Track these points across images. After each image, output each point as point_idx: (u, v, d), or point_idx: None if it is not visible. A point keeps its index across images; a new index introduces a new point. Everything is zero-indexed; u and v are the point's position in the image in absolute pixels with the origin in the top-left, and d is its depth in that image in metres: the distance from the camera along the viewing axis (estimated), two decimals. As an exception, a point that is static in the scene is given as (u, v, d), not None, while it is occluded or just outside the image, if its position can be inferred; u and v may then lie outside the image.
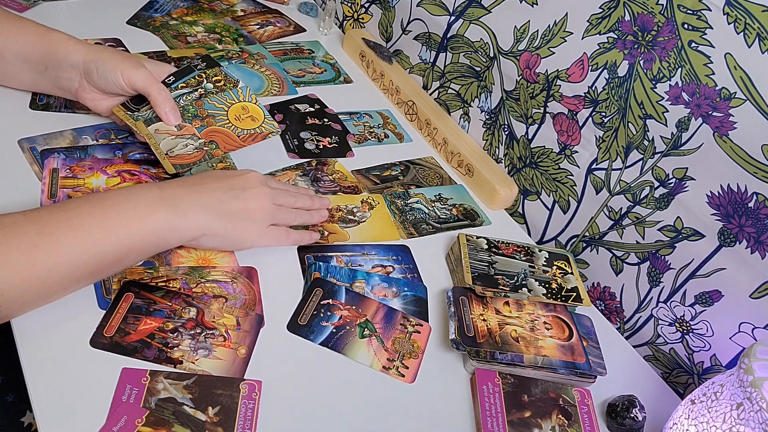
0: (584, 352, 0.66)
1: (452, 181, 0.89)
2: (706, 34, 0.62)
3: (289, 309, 0.65)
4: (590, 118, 0.76)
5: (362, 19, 1.09)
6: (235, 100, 0.77)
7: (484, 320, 0.66)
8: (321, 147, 0.87)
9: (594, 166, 0.77)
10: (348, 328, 0.65)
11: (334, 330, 0.65)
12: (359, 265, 0.72)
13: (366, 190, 0.83)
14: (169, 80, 0.75)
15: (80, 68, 0.71)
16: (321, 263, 0.70)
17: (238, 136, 0.74)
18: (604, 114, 0.74)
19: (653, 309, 0.74)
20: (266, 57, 1.00)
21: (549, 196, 0.84)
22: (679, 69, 0.65)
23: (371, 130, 0.93)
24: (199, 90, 0.76)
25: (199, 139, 0.72)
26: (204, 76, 0.77)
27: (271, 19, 1.10)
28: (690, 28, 0.64)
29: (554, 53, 0.78)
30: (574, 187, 0.80)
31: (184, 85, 0.75)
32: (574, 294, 0.71)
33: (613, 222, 0.77)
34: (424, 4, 0.94)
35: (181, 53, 0.94)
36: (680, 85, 0.66)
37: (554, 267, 0.74)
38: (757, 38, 0.59)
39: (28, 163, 0.71)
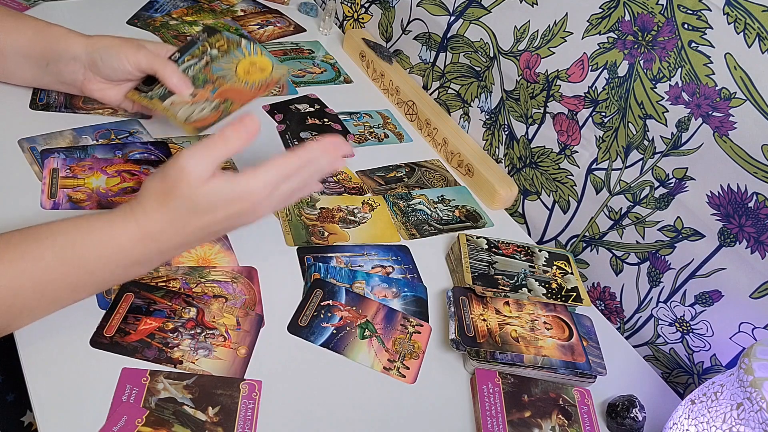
0: (584, 352, 0.66)
1: (457, 183, 0.89)
2: (706, 34, 0.62)
3: (289, 310, 0.65)
4: (590, 118, 0.76)
5: (362, 19, 1.09)
6: (242, 57, 0.78)
7: (484, 320, 0.66)
8: (321, 147, 0.87)
9: (594, 166, 0.77)
10: (348, 329, 0.65)
11: (335, 331, 0.65)
12: (359, 266, 0.72)
13: (370, 191, 0.83)
14: (175, 57, 0.76)
15: (83, 60, 0.71)
16: (321, 264, 0.70)
17: (251, 89, 0.76)
18: (604, 114, 0.74)
19: (653, 309, 0.74)
20: (266, 57, 1.00)
21: (549, 196, 0.84)
22: (679, 69, 0.65)
23: (371, 130, 0.93)
24: (205, 58, 0.77)
25: (214, 100, 0.74)
26: (208, 44, 0.79)
27: (271, 19, 1.10)
28: (690, 28, 0.64)
29: (554, 53, 0.78)
30: (574, 187, 0.80)
31: (190, 57, 0.77)
32: (574, 294, 0.71)
33: (613, 222, 0.77)
34: (424, 4, 0.94)
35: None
36: (680, 85, 0.66)
37: (554, 267, 0.74)
38: (757, 38, 0.59)
39: (28, 163, 0.71)
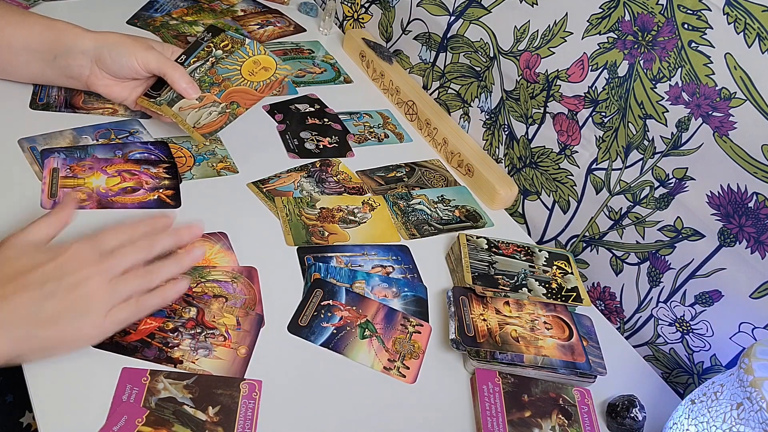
0: (584, 352, 0.66)
1: (457, 183, 0.89)
2: (706, 34, 0.62)
3: (289, 309, 0.65)
4: (590, 118, 0.76)
5: (362, 19, 1.09)
6: (246, 57, 0.80)
7: (484, 320, 0.66)
8: (321, 147, 0.87)
9: (594, 166, 0.77)
10: (348, 329, 0.65)
11: (335, 331, 0.65)
12: (359, 266, 0.72)
13: (370, 191, 0.83)
14: (181, 59, 0.78)
15: (91, 54, 0.72)
16: (321, 264, 0.70)
17: (256, 90, 0.78)
18: (604, 114, 0.74)
19: (653, 309, 0.74)
20: (266, 57, 1.00)
21: (549, 196, 0.84)
22: (679, 69, 0.65)
23: (371, 130, 0.93)
24: (211, 59, 0.79)
25: (220, 104, 0.76)
26: (212, 45, 0.81)
27: (271, 19, 1.10)
28: (690, 28, 0.64)
29: (554, 53, 0.78)
30: (574, 187, 0.80)
31: (196, 59, 0.79)
32: (574, 294, 0.71)
33: (613, 222, 0.77)
34: (424, 4, 0.94)
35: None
36: (680, 85, 0.66)
37: (554, 267, 0.74)
38: (757, 38, 0.59)
39: (28, 163, 0.71)
